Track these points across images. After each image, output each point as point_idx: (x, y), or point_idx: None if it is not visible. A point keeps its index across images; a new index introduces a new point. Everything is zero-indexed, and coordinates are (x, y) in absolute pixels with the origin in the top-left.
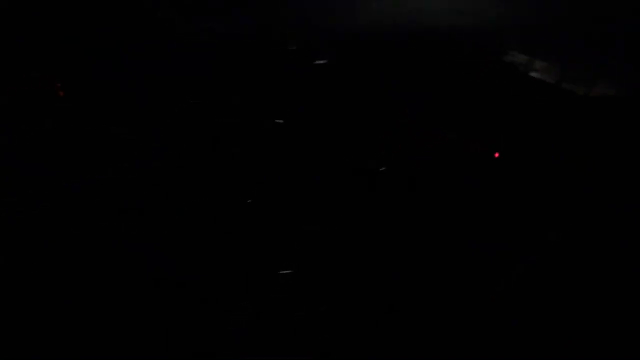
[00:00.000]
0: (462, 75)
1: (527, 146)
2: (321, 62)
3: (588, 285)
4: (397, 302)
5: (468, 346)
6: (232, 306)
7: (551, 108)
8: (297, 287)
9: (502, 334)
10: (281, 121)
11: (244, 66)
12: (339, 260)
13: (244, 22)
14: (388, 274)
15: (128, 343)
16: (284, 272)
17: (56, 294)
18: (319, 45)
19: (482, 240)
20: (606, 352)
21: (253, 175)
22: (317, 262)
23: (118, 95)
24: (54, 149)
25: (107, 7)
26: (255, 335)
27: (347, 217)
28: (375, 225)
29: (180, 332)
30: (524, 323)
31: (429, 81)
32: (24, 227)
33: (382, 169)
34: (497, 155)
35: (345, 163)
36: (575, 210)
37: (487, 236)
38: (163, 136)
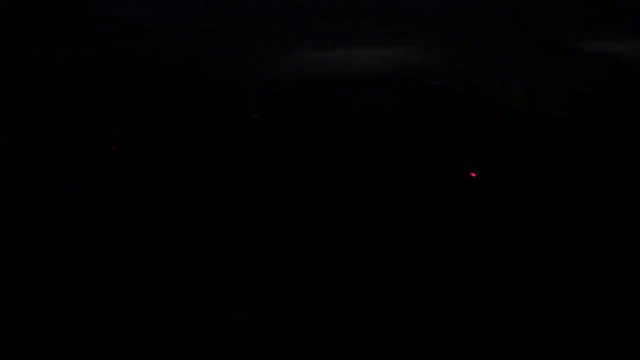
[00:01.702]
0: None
1: (527, 146)
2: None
3: (588, 285)
4: (397, 302)
5: (468, 346)
6: (232, 306)
7: (549, 109)
8: (297, 287)
9: (502, 334)
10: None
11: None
12: (339, 260)
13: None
14: (388, 274)
15: (128, 343)
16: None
17: (56, 294)
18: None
19: (482, 240)
20: (606, 352)
21: (253, 175)
22: (317, 262)
23: (118, 95)
24: (54, 149)
25: (107, 8)
26: (255, 335)
27: (347, 217)
28: (375, 225)
29: (180, 332)
30: (524, 323)
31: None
32: (24, 227)
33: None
34: (473, 175)
35: (345, 163)
36: (575, 210)
37: (487, 236)
38: (163, 136)
